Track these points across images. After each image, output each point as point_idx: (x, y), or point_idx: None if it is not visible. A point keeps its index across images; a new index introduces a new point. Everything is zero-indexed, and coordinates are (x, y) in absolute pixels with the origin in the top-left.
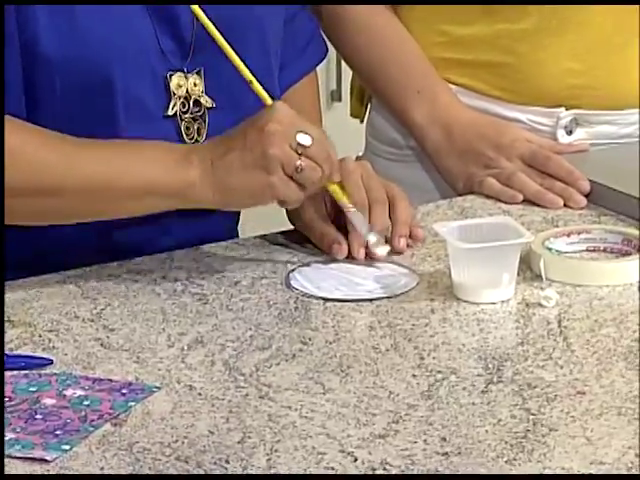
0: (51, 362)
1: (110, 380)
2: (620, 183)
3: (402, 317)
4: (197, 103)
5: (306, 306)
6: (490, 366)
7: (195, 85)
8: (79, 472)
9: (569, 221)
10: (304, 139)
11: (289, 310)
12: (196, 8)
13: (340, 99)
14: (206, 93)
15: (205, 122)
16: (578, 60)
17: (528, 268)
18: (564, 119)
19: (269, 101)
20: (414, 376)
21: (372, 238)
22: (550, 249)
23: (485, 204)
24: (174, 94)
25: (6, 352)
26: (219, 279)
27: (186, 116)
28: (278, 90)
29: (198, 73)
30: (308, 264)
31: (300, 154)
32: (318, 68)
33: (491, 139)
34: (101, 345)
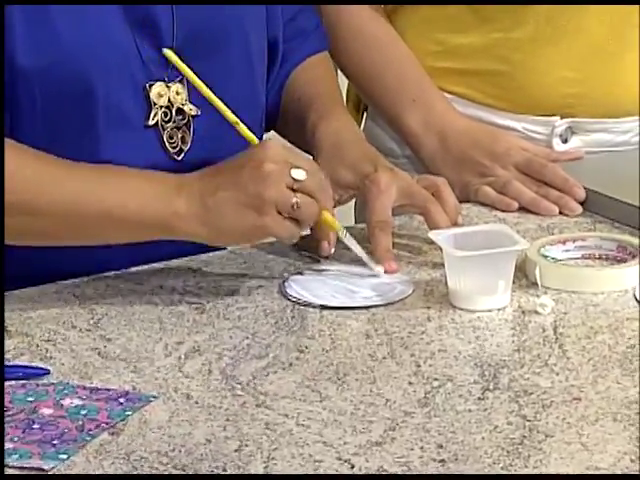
0: (48, 372)
1: (107, 389)
2: (615, 190)
3: (398, 325)
4: (180, 111)
5: (302, 314)
6: (486, 373)
7: (178, 94)
8: None
9: (564, 228)
10: (299, 174)
11: (286, 319)
12: (171, 54)
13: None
14: (190, 101)
15: (190, 130)
16: (573, 69)
17: (524, 275)
18: (559, 127)
19: (256, 142)
20: (410, 383)
21: (372, 261)
22: (546, 256)
23: (481, 212)
24: (154, 104)
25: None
26: (216, 288)
27: (168, 125)
28: (263, 98)
29: (180, 82)
30: (302, 272)
31: (295, 190)
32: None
33: (486, 147)
34: (98, 355)
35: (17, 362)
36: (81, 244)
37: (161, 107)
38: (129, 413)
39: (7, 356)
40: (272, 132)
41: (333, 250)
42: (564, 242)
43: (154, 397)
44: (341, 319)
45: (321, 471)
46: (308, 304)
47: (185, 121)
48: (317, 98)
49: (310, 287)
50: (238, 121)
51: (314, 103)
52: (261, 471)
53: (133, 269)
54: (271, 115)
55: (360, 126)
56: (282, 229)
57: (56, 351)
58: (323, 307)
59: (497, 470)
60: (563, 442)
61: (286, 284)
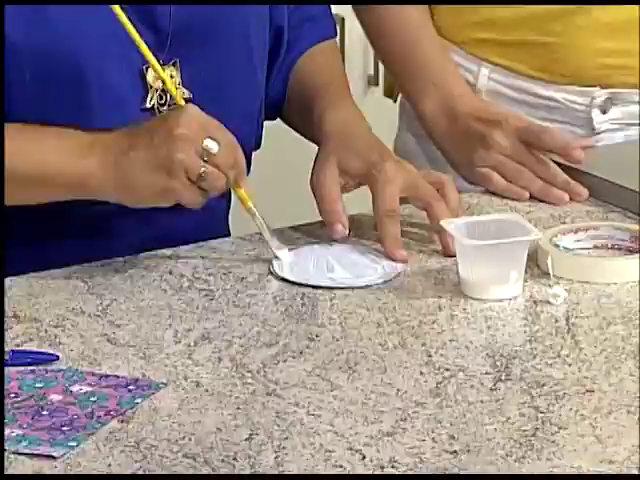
0: (57, 358)
1: (116, 376)
2: (628, 180)
3: (409, 314)
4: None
5: (313, 302)
6: (498, 364)
7: (171, 77)
8: (86, 468)
9: (576, 218)
10: (211, 145)
11: (296, 306)
12: (116, 8)
13: (377, 83)
14: (183, 85)
15: None
16: (612, 39)
17: (535, 265)
18: (598, 98)
19: (181, 102)
20: (422, 373)
21: (275, 242)
22: (558, 246)
23: (492, 201)
24: (151, 87)
25: (12, 348)
26: (225, 275)
27: (163, 108)
28: (263, 86)
29: (174, 65)
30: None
31: (206, 160)
32: (355, 53)
33: (486, 119)
34: (107, 341)
35: (26, 348)
36: (18, 203)
37: (157, 90)
38: (139, 401)
39: (16, 341)
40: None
41: (348, 231)
42: (576, 232)
43: (164, 384)
44: (352, 307)
45: (332, 461)
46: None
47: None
48: (323, 87)
49: (298, 270)
50: (166, 79)
51: (320, 92)
52: (272, 461)
53: (142, 255)
54: (277, 103)
55: (397, 97)
56: (188, 195)
57: (65, 337)
58: (314, 287)
59: (509, 462)
60: (576, 434)
61: (275, 265)
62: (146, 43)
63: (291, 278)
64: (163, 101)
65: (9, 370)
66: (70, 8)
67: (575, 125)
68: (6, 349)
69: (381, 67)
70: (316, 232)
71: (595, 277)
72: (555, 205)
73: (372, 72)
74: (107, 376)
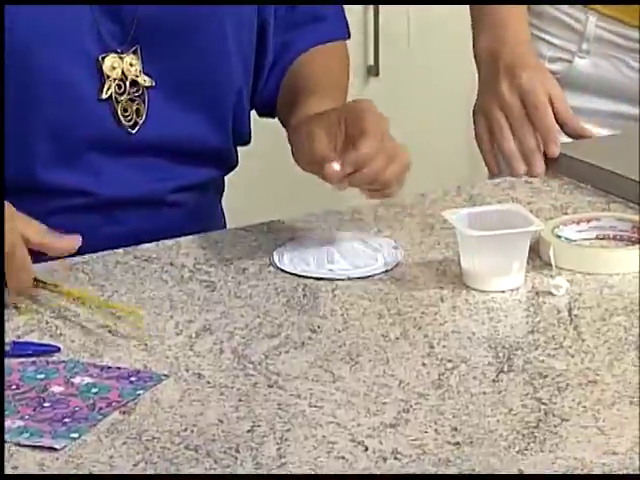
0: (58, 349)
1: (118, 368)
2: (630, 170)
3: (411, 305)
4: (135, 83)
5: (314, 294)
6: (500, 355)
7: (131, 65)
8: (88, 460)
9: (578, 208)
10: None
11: (297, 298)
12: None
13: (377, 74)
14: (145, 73)
15: (145, 102)
16: None
17: (537, 256)
18: None
19: None
20: (424, 365)
21: None
22: (560, 237)
23: (494, 191)
24: (108, 76)
25: (13, 339)
26: (227, 266)
27: (122, 98)
28: (241, 83)
29: (134, 52)
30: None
31: None
32: (355, 44)
33: (511, 67)
34: (109, 332)
35: (27, 339)
36: None
37: (114, 79)
38: (140, 392)
39: (17, 333)
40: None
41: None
42: (578, 222)
43: (165, 376)
44: (353, 299)
45: (335, 453)
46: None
47: (139, 93)
48: (308, 93)
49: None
50: None
51: (302, 98)
52: (274, 452)
53: (143, 246)
54: (273, 101)
55: None
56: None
57: (66, 328)
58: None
59: (512, 453)
60: (579, 426)
61: (277, 262)
62: (109, 35)
63: (291, 270)
64: (122, 90)
65: (10, 361)
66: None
67: None
68: (7, 340)
69: (381, 58)
70: (317, 223)
71: (597, 268)
72: (557, 195)
73: (372, 62)
74: (109, 367)
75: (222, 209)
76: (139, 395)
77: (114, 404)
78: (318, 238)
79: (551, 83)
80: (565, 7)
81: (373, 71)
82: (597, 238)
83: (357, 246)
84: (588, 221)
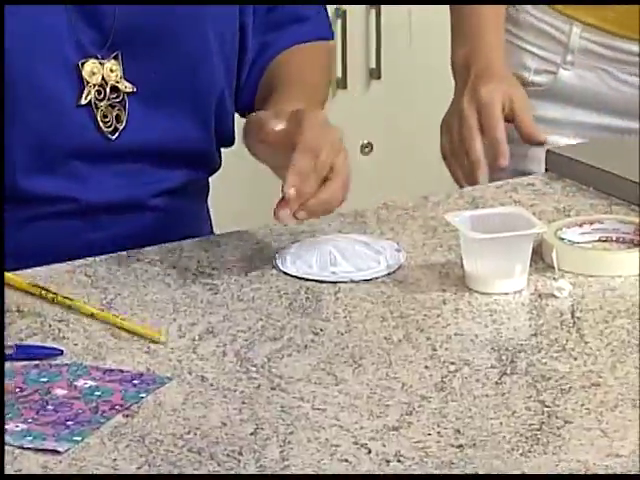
0: (61, 352)
1: (121, 371)
2: (632, 172)
3: (414, 308)
4: (115, 89)
5: (317, 296)
6: (503, 357)
7: (112, 71)
8: (91, 463)
9: (581, 211)
10: None
11: (300, 300)
12: None
13: (379, 77)
14: (126, 78)
15: (125, 109)
16: None
17: (540, 258)
18: None
19: None
20: (427, 367)
21: None
22: (563, 239)
23: (496, 194)
24: (87, 82)
25: (16, 342)
26: (229, 269)
27: (102, 104)
28: (223, 85)
29: (115, 58)
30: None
31: None
32: (357, 47)
33: (476, 80)
34: (111, 335)
35: (30, 342)
36: None
37: (94, 85)
38: (143, 395)
39: (20, 336)
40: None
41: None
42: (581, 225)
43: (168, 379)
44: (356, 301)
45: (338, 456)
46: (320, 281)
47: (120, 99)
48: (280, 90)
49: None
50: None
51: (274, 96)
52: (277, 455)
53: (146, 249)
54: (250, 101)
55: None
56: None
57: (69, 331)
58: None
59: (515, 456)
60: (582, 428)
61: (278, 259)
62: (87, 40)
63: (294, 272)
64: (102, 96)
65: (13, 365)
66: (6, 7)
67: None
68: (10, 344)
69: (383, 60)
70: (319, 225)
71: (600, 270)
72: (560, 198)
73: (374, 65)
74: (111, 370)
75: (208, 212)
76: (142, 398)
77: (117, 407)
78: (320, 241)
79: (514, 90)
80: (549, 18)
81: (375, 74)
82: (600, 240)
83: (359, 249)
84: (591, 223)
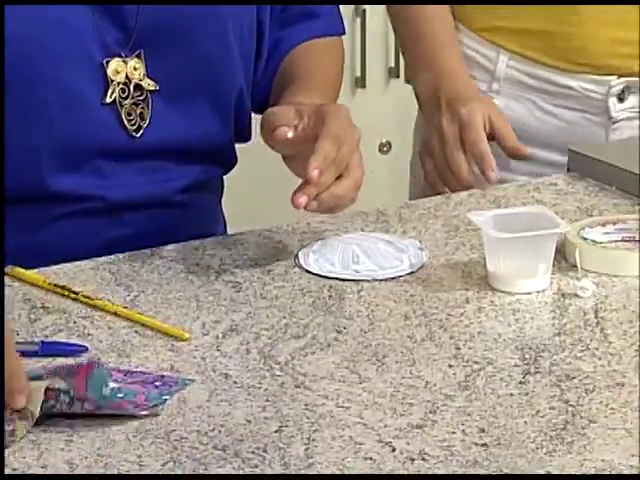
0: (86, 349)
1: (142, 372)
2: None
3: (437, 306)
4: (138, 87)
5: (340, 295)
6: (527, 357)
7: (135, 69)
8: (116, 459)
9: (604, 211)
10: None
11: (323, 298)
12: None
13: (398, 75)
14: (149, 76)
15: (148, 106)
16: (628, 28)
17: (563, 258)
18: (616, 87)
19: None
20: (450, 366)
21: None
22: (586, 239)
23: (518, 193)
24: (111, 81)
25: (41, 339)
26: (252, 267)
27: (126, 102)
28: (242, 82)
29: (138, 56)
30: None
31: None
32: (376, 45)
33: (451, 102)
34: (136, 332)
35: (55, 339)
36: None
37: (118, 84)
38: (167, 398)
39: (45, 332)
40: None
41: (291, 134)
42: (604, 224)
43: (190, 381)
44: (379, 300)
45: (362, 454)
46: (343, 279)
47: (143, 97)
48: (293, 83)
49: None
50: None
51: (289, 88)
52: (302, 453)
53: (169, 247)
54: (266, 98)
55: None
56: None
57: (93, 328)
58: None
59: (540, 455)
60: (607, 428)
61: (301, 257)
62: (111, 39)
63: (316, 271)
64: (126, 94)
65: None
66: (22, 10)
67: (592, 113)
68: (36, 340)
69: (402, 59)
70: (342, 224)
71: (623, 270)
72: (582, 198)
73: (393, 64)
74: (133, 372)
75: (222, 210)
76: (165, 400)
77: (142, 406)
78: (343, 239)
79: (492, 108)
80: (478, 45)
81: (394, 73)
82: (623, 240)
83: (382, 247)
84: (614, 223)
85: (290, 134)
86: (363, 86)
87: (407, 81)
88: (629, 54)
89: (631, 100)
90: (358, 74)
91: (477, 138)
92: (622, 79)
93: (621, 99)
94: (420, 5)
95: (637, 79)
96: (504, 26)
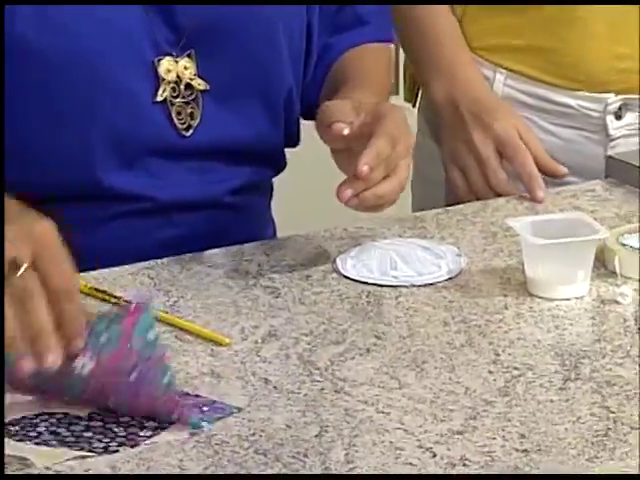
0: None
1: (196, 396)
2: None
3: (476, 312)
4: (189, 87)
5: (378, 300)
6: (567, 363)
7: (186, 68)
8: (158, 463)
9: None
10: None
11: (361, 304)
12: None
13: (397, 92)
14: (199, 76)
15: (199, 106)
16: (626, 44)
17: (602, 265)
18: (613, 104)
19: None
20: (490, 372)
21: None
22: (625, 245)
23: (556, 200)
24: (163, 79)
25: None
26: (290, 272)
27: (177, 101)
28: (291, 82)
29: (189, 56)
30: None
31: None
32: None
33: (477, 113)
34: (176, 337)
35: None
36: None
37: (169, 82)
38: (204, 425)
39: None
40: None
41: (347, 131)
42: None
43: (238, 409)
44: (417, 306)
45: (402, 459)
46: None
47: (193, 97)
48: (346, 84)
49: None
50: None
51: (350, 87)
52: (342, 458)
53: (208, 252)
54: (314, 102)
55: (416, 102)
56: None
57: None
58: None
59: (582, 461)
60: None
61: (340, 267)
62: (163, 38)
63: (354, 276)
64: (176, 93)
65: None
66: (77, 8)
67: (590, 131)
68: None
69: (401, 76)
70: (379, 230)
71: None
72: (620, 204)
73: (392, 80)
74: (187, 394)
75: (271, 214)
76: (202, 427)
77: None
78: (381, 245)
79: (521, 124)
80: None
81: (393, 89)
82: None
83: (420, 253)
84: None
85: (346, 131)
86: (396, 92)
87: (406, 99)
88: (626, 70)
89: (628, 117)
90: (392, 80)
91: (524, 161)
92: (619, 96)
93: (619, 117)
94: (426, 5)
95: (634, 96)
96: (501, 44)
